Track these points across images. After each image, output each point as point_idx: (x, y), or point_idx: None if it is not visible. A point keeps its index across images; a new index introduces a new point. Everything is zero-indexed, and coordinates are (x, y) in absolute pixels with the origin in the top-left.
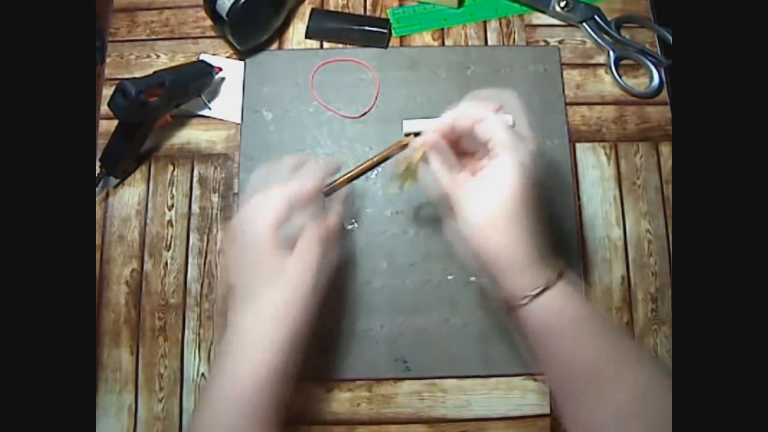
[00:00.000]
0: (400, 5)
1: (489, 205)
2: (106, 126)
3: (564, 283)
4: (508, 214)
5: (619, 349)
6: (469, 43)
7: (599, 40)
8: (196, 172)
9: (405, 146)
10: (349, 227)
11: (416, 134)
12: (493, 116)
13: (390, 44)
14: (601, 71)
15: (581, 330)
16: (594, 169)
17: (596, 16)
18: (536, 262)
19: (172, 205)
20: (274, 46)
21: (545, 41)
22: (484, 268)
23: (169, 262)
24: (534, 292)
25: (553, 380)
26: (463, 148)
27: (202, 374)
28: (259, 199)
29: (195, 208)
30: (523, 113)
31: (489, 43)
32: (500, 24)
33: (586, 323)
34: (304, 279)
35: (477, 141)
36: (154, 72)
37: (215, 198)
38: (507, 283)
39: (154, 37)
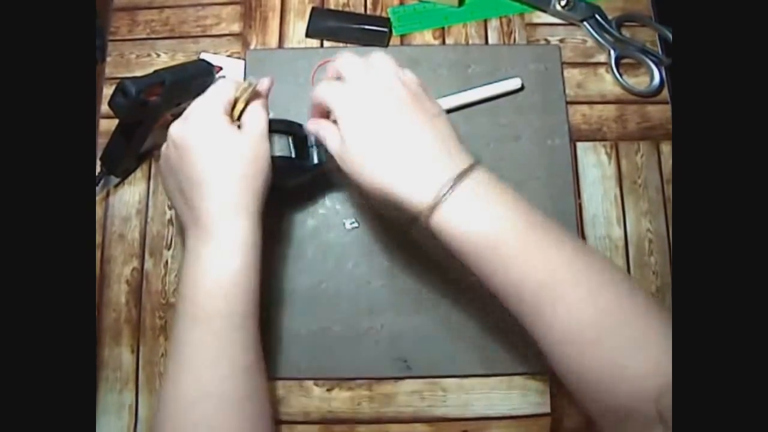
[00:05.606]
0: (401, 4)
1: (355, 133)
2: (107, 125)
3: (479, 171)
4: (375, 132)
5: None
6: (470, 42)
7: (600, 38)
8: None
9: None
10: (350, 227)
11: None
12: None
13: (390, 43)
14: (602, 70)
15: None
16: (595, 168)
17: (597, 15)
18: (430, 164)
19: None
20: (274, 45)
21: (546, 40)
22: (382, 195)
23: (169, 260)
24: (443, 192)
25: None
26: None
27: None
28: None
29: None
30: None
31: (489, 41)
32: (501, 23)
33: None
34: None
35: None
36: (155, 71)
37: None
38: (412, 195)
39: (154, 36)
